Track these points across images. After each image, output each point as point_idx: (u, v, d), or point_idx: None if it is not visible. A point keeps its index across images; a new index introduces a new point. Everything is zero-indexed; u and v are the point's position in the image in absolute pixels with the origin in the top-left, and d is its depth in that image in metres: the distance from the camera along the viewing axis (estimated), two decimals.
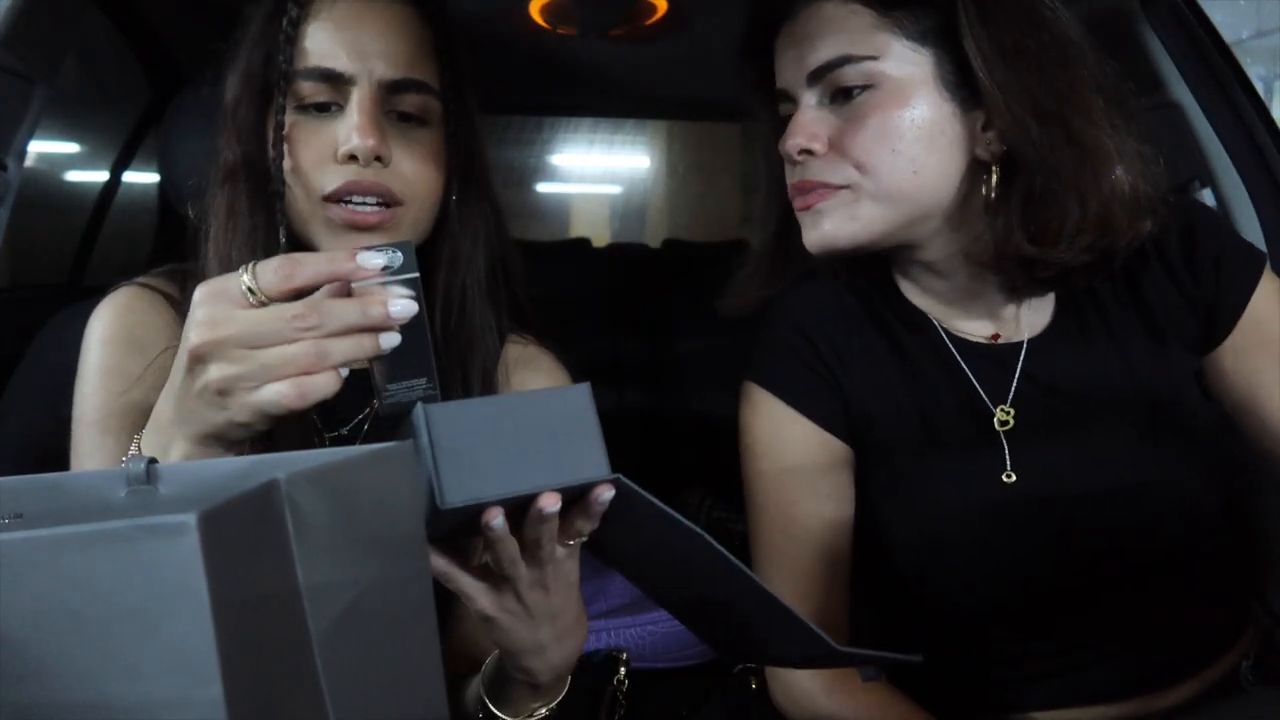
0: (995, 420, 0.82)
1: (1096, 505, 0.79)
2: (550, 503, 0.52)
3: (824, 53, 0.76)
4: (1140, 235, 0.77)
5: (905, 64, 0.75)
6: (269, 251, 0.72)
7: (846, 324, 0.88)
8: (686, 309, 2.14)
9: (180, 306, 0.77)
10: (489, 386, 0.80)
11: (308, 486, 0.36)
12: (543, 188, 4.39)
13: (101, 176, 1.77)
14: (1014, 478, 0.80)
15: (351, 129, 0.71)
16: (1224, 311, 0.83)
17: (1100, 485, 0.79)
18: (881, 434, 0.86)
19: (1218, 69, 1.20)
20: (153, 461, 0.43)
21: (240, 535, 0.32)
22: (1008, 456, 0.81)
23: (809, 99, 0.78)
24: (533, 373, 0.85)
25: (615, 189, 4.70)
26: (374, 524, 0.40)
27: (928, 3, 0.75)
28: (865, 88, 0.75)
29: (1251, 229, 1.16)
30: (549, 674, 0.64)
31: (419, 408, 0.51)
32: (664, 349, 2.08)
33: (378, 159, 0.72)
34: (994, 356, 0.84)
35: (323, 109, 0.73)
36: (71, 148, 2.16)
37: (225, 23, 0.78)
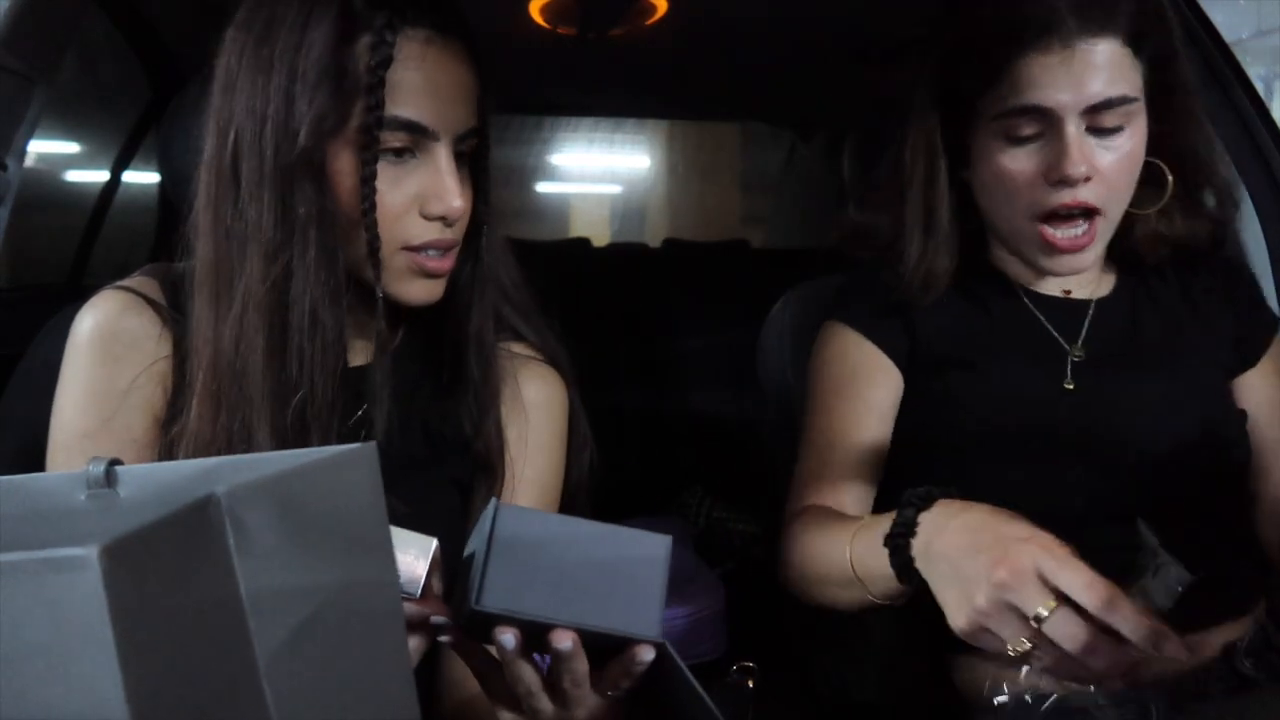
0: (1071, 353, 0.92)
1: (1147, 429, 0.86)
2: (561, 639, 0.50)
3: (1107, 90, 0.82)
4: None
5: (1142, 104, 0.85)
6: (341, 303, 0.70)
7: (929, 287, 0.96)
8: (686, 309, 2.15)
9: (166, 312, 0.76)
10: (496, 398, 0.81)
11: (253, 498, 0.35)
12: (543, 187, 4.39)
13: (101, 176, 1.77)
14: (1072, 386, 0.89)
15: (443, 190, 0.71)
16: (1254, 340, 0.95)
17: (1152, 411, 0.88)
18: (949, 368, 0.93)
19: (1218, 69, 1.20)
20: (114, 463, 0.43)
21: (165, 557, 0.31)
22: (1069, 370, 0.90)
23: (1077, 126, 0.83)
24: (536, 388, 0.84)
25: (615, 189, 4.70)
26: (335, 531, 0.39)
27: (1156, 33, 0.86)
28: (1124, 126, 0.84)
29: (1251, 229, 1.16)
30: None
31: (494, 502, 0.51)
32: (664, 349, 2.08)
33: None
34: (1067, 308, 0.94)
35: (399, 154, 0.71)
36: (71, 148, 2.16)
37: (226, 23, 0.77)
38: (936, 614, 0.88)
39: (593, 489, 0.86)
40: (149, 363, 0.74)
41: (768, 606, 1.54)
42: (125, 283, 0.78)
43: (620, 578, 0.51)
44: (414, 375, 0.81)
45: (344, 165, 0.69)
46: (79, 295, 0.82)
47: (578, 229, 4.47)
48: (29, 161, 1.16)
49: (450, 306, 0.79)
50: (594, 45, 1.72)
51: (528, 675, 0.54)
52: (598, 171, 4.58)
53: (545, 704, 0.55)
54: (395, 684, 0.42)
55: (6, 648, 0.28)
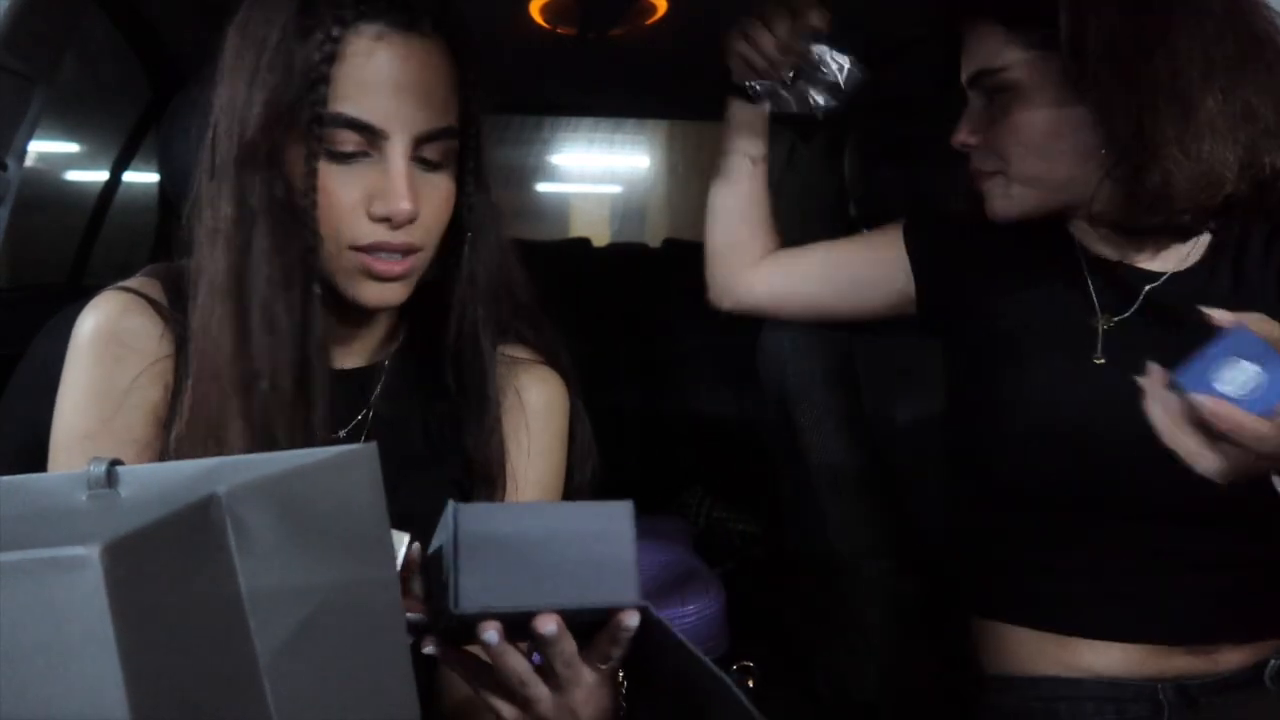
0: (1100, 322, 0.91)
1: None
2: (544, 624, 0.50)
3: (971, 66, 0.92)
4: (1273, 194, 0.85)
5: (1031, 70, 0.88)
6: (303, 298, 0.70)
7: (997, 230, 0.98)
8: (686, 309, 2.14)
9: (167, 312, 0.76)
10: (492, 407, 0.80)
11: (254, 498, 0.35)
12: (543, 188, 4.39)
13: (101, 176, 1.77)
14: (1103, 360, 0.89)
15: (389, 190, 0.69)
16: None
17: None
18: (988, 324, 0.96)
19: None
20: (115, 463, 0.43)
21: (166, 556, 0.31)
22: (1100, 344, 0.90)
23: (973, 99, 0.94)
24: (539, 392, 0.84)
25: (615, 189, 4.70)
26: (335, 531, 0.39)
27: (1041, 16, 0.86)
28: (1002, 91, 0.90)
29: None
30: None
31: (450, 504, 0.51)
32: (664, 349, 2.08)
33: (411, 220, 0.70)
34: (1120, 277, 0.92)
35: (351, 156, 0.70)
36: (71, 148, 2.17)
37: (226, 23, 0.77)
38: (959, 591, 0.89)
39: (593, 490, 0.86)
40: (150, 363, 0.74)
41: (768, 606, 1.55)
42: (127, 283, 0.78)
43: (590, 551, 0.51)
44: (413, 376, 0.81)
45: (295, 160, 0.69)
46: (79, 295, 0.82)
47: (578, 229, 4.46)
48: (29, 161, 1.16)
49: (438, 312, 0.79)
50: (594, 45, 1.72)
51: (519, 665, 0.54)
52: (598, 171, 4.58)
53: (541, 690, 0.55)
54: (395, 683, 0.42)
55: (6, 648, 0.28)
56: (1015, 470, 0.90)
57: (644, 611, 0.53)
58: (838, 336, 1.18)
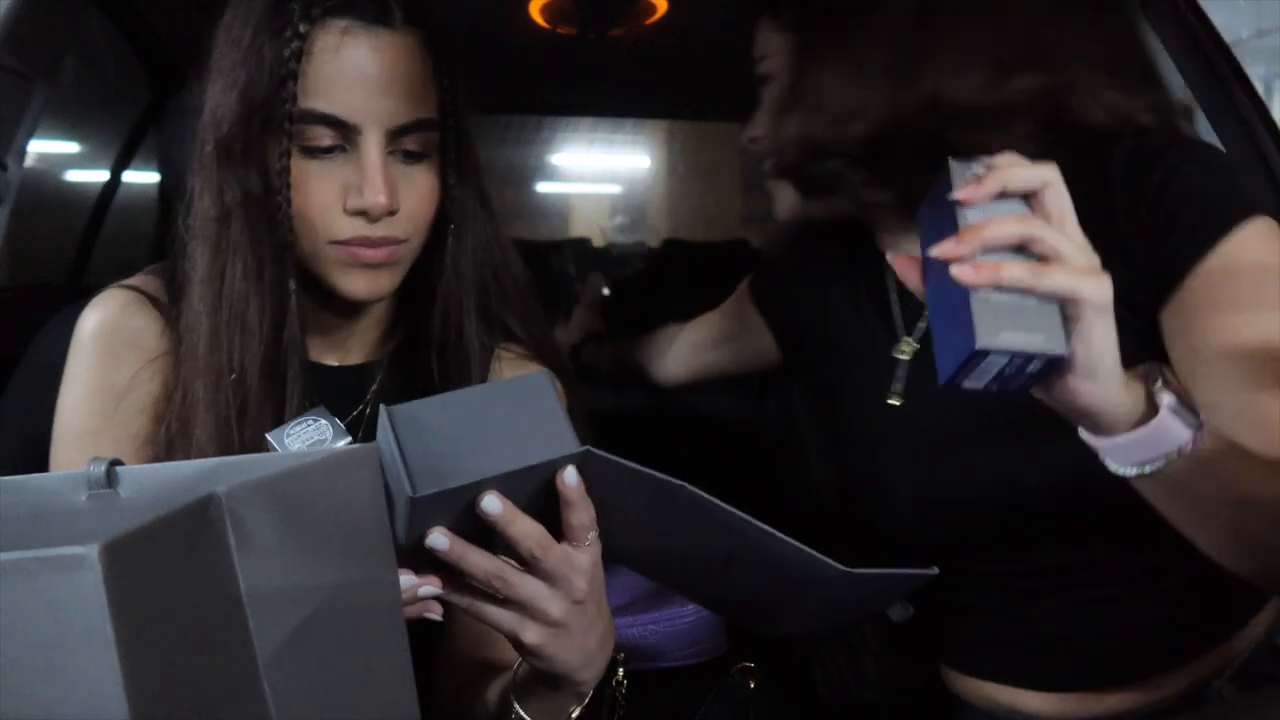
0: (897, 349, 0.85)
1: (988, 440, 0.76)
2: (484, 500, 0.50)
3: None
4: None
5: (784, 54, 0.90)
6: (275, 294, 0.71)
7: (821, 260, 0.97)
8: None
9: (168, 310, 0.76)
10: None
11: (253, 497, 0.35)
12: (542, 187, 4.39)
13: (101, 176, 1.77)
14: (899, 403, 0.83)
15: (364, 184, 0.69)
16: (1165, 271, 0.70)
17: (995, 419, 0.74)
18: (819, 361, 0.94)
19: (1218, 69, 1.20)
20: (115, 463, 0.43)
21: (165, 556, 0.31)
22: (895, 382, 0.84)
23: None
24: None
25: (615, 189, 4.70)
26: (335, 531, 0.39)
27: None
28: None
29: None
30: (594, 677, 0.61)
31: (381, 409, 0.52)
32: None
33: (389, 213, 0.71)
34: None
35: (327, 151, 0.70)
36: (71, 148, 2.17)
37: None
38: (934, 629, 0.89)
39: None
40: (150, 360, 0.75)
41: None
42: (129, 281, 0.79)
43: (522, 420, 0.53)
44: (411, 374, 0.81)
45: (272, 158, 0.70)
46: (79, 295, 0.82)
47: (578, 229, 4.47)
48: (29, 161, 1.16)
49: (428, 305, 0.79)
50: (594, 45, 1.72)
51: (487, 561, 0.53)
52: (598, 171, 4.58)
53: (533, 585, 0.54)
54: (395, 683, 0.42)
55: (6, 647, 0.28)
56: (864, 512, 0.86)
57: (588, 456, 0.52)
58: None
